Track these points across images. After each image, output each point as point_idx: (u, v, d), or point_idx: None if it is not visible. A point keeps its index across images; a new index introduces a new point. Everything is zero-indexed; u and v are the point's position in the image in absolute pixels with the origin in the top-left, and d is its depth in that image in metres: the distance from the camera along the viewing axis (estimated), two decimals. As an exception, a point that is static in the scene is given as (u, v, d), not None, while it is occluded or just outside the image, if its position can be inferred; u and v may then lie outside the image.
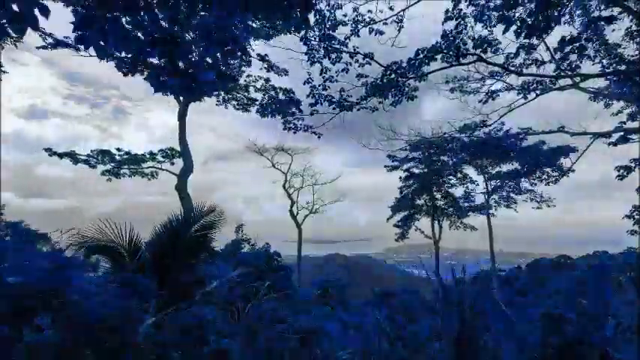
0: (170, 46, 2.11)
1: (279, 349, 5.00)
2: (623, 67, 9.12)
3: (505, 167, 21.76)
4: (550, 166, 18.48)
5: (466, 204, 23.32)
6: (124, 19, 2.10)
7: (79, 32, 1.98)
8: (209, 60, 2.44)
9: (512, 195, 22.22)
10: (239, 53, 2.48)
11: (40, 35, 10.08)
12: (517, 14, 7.31)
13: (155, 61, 2.36)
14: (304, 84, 8.87)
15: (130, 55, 2.24)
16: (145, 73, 2.45)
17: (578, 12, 7.59)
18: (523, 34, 7.15)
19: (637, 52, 9.25)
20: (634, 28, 8.83)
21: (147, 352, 3.46)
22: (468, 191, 23.39)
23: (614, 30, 8.84)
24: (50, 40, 10.55)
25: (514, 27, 7.30)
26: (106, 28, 1.96)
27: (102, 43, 2.01)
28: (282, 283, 9.19)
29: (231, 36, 2.23)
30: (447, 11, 7.50)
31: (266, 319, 5.42)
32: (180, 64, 2.17)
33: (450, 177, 23.35)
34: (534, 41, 7.62)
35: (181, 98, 15.29)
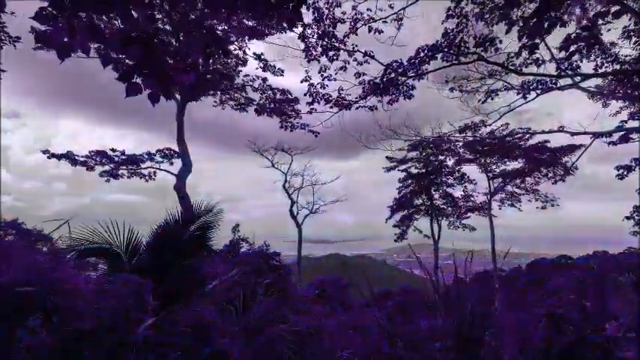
0: (145, 46, 1.90)
1: (279, 349, 4.96)
2: (623, 67, 9.11)
3: (510, 166, 21.77)
4: (554, 165, 18.55)
5: (466, 204, 23.35)
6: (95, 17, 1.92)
7: (40, 28, 1.77)
8: (189, 61, 2.19)
9: (515, 194, 22.27)
10: (221, 55, 2.34)
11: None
12: (519, 14, 7.29)
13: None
14: (302, 82, 8.84)
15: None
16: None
17: (578, 10, 7.57)
18: (525, 35, 7.11)
19: (636, 52, 9.23)
20: (632, 27, 8.81)
21: (146, 353, 3.42)
22: (467, 192, 23.40)
23: (609, 30, 8.83)
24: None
25: (516, 27, 7.27)
26: (74, 23, 1.73)
27: (66, 40, 1.76)
28: (282, 283, 9.16)
29: (213, 36, 2.11)
30: (448, 9, 7.48)
31: (266, 318, 5.39)
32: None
33: (448, 177, 23.37)
34: (537, 40, 7.59)
35: (179, 98, 15.27)
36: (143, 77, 1.98)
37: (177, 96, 15.39)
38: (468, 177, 23.16)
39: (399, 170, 23.62)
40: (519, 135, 17.01)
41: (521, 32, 7.15)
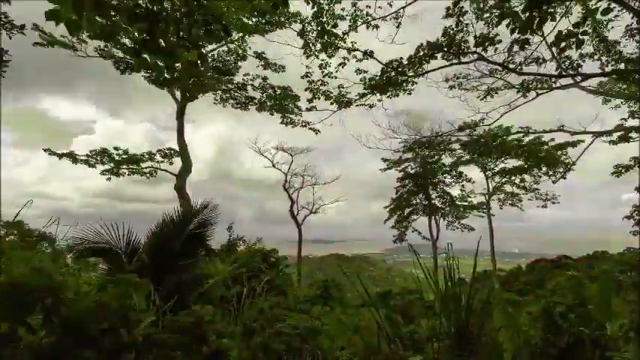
0: (149, 23, 2.07)
1: (278, 349, 4.95)
2: (623, 66, 9.08)
3: (509, 165, 21.73)
4: (554, 164, 18.57)
5: (463, 203, 23.37)
6: None
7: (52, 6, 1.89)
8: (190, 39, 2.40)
9: (514, 193, 22.27)
10: (222, 33, 2.48)
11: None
12: (511, 8, 7.24)
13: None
14: (302, 77, 8.86)
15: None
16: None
17: (572, 3, 7.53)
18: (517, 30, 7.08)
19: (637, 50, 9.20)
20: (634, 25, 8.78)
21: (145, 353, 3.41)
22: (464, 191, 23.42)
23: (612, 27, 8.78)
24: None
25: (506, 21, 7.22)
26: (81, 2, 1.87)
27: (74, 17, 1.89)
28: (281, 282, 9.15)
29: (213, 14, 2.24)
30: (447, 8, 7.45)
31: (265, 317, 5.38)
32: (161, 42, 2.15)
33: (445, 175, 23.39)
34: (528, 36, 7.56)
35: (179, 97, 15.28)
36: (150, 52, 2.18)
37: (178, 96, 15.39)
38: (466, 175, 23.20)
39: (396, 170, 23.65)
40: (521, 134, 16.99)
41: (512, 26, 7.09)
